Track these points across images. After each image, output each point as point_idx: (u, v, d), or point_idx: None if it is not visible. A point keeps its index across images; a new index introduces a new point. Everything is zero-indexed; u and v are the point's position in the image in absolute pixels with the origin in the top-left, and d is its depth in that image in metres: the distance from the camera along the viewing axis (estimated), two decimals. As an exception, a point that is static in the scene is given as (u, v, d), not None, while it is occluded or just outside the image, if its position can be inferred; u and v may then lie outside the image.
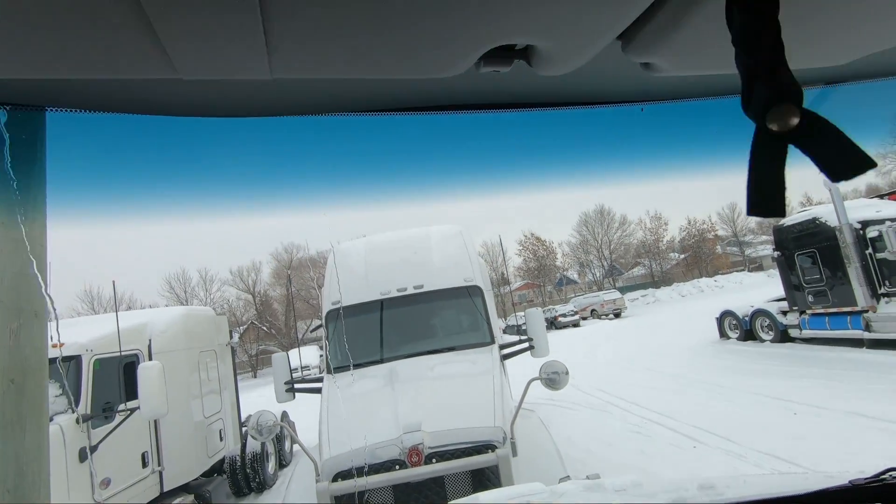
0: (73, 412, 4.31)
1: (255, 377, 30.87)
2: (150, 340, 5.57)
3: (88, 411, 4.45)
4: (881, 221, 9.38)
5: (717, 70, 0.71)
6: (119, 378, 4.94)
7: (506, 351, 5.32)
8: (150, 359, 5.40)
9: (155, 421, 5.21)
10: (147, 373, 4.30)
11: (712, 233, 44.64)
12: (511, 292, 41.07)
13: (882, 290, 9.33)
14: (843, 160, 0.32)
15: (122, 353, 4.79)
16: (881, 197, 12.22)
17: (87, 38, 0.52)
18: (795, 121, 0.32)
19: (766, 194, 0.34)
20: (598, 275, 45.62)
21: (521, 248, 46.71)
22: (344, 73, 0.65)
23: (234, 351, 7.98)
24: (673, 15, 0.54)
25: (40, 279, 1.07)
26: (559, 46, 0.62)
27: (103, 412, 4.62)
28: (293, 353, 8.36)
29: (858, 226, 9.68)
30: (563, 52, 0.63)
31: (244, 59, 0.58)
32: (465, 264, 5.95)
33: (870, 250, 9.48)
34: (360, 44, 0.57)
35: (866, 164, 0.30)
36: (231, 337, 7.84)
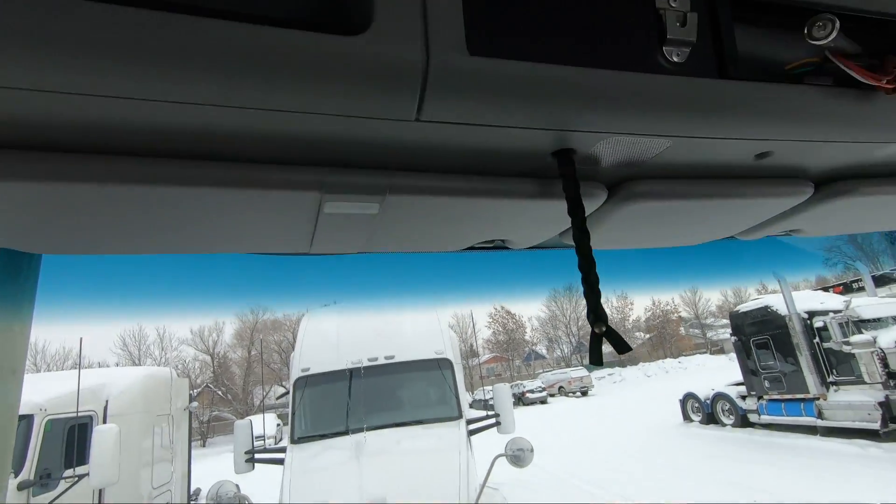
0: (15, 477, 4.07)
1: (205, 446, 28.80)
2: (106, 401, 5.36)
3: (32, 477, 4.21)
4: (825, 313, 10.04)
5: (644, 246, 1.04)
6: (69, 441, 4.71)
7: (472, 426, 5.34)
8: (105, 421, 5.17)
9: (100, 490, 4.91)
10: (101, 437, 4.13)
11: (675, 314, 46.05)
12: (479, 365, 40.60)
13: (831, 379, 9.80)
14: (621, 345, 0.58)
15: (77, 415, 4.61)
16: (825, 290, 13.16)
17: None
18: (604, 328, 0.59)
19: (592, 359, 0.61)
20: (566, 350, 45.83)
21: (491, 320, 46.91)
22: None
23: (191, 416, 7.65)
24: (597, 218, 0.83)
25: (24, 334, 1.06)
26: (525, 238, 0.90)
27: (49, 478, 4.36)
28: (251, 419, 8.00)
29: (806, 315, 10.32)
30: (530, 238, 0.92)
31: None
32: (436, 336, 6.06)
33: (817, 340, 10.05)
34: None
35: (625, 349, 0.58)
36: (190, 401, 7.55)
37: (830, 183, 0.90)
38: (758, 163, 0.77)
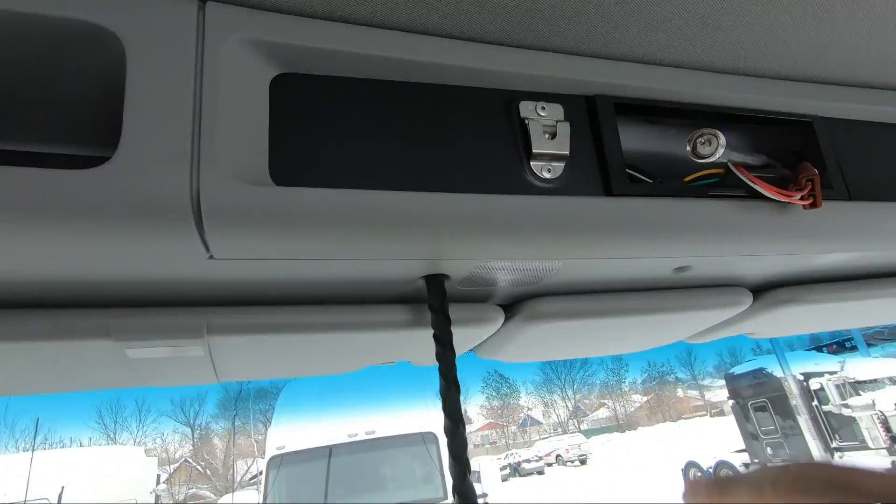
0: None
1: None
2: (62, 488, 4.98)
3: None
4: (821, 374, 9.86)
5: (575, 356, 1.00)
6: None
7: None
8: (59, 511, 4.77)
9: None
10: (51, 531, 3.79)
11: (672, 375, 45.17)
12: (473, 433, 38.92)
13: (834, 444, 9.45)
14: None
15: (27, 505, 4.26)
16: (819, 349, 13.01)
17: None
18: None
19: None
20: (562, 415, 44.33)
21: (484, 384, 45.65)
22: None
23: (157, 498, 7.12)
24: (503, 336, 0.77)
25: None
26: (427, 358, 0.85)
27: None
28: (228, 497, 7.45)
29: (802, 377, 10.12)
30: (432, 357, 0.87)
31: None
32: (420, 409, 5.84)
33: (816, 402, 9.79)
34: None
35: None
36: (157, 482, 7.06)
37: (770, 290, 0.85)
38: (682, 275, 0.73)
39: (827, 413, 9.58)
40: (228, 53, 0.44)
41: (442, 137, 0.51)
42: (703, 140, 0.55)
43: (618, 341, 0.90)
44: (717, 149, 0.54)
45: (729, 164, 0.57)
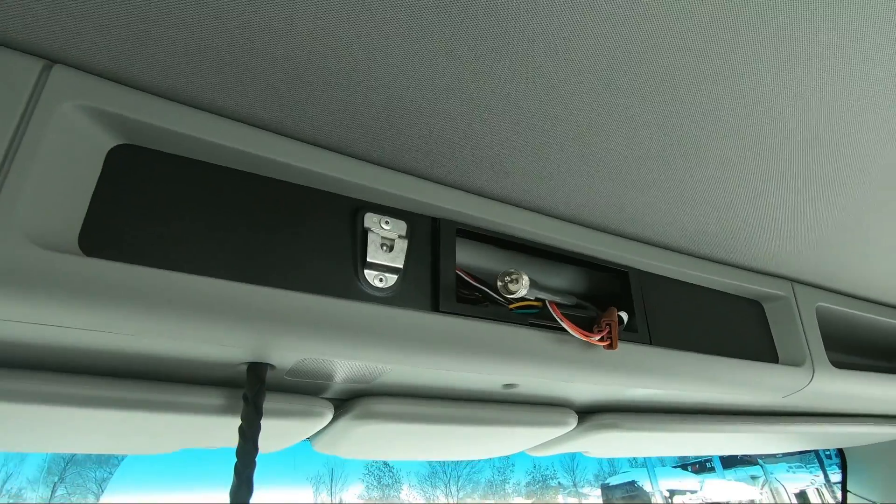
0: None
1: None
2: None
3: None
4: (683, 492, 10.43)
5: (413, 458, 1.03)
6: None
7: None
8: None
9: None
10: None
11: (555, 480, 45.39)
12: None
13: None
14: None
15: None
16: (685, 468, 13.85)
17: None
18: None
19: None
20: (444, 514, 42.25)
21: (366, 471, 42.68)
22: None
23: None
24: (338, 429, 0.77)
25: None
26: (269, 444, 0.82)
27: None
28: None
29: (668, 493, 10.62)
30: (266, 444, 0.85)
31: None
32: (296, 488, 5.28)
33: (679, 518, 10.23)
34: None
35: None
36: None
37: (592, 414, 0.92)
38: (512, 391, 0.77)
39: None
40: (62, 117, 0.43)
41: (279, 234, 0.53)
42: (510, 279, 0.62)
43: (451, 448, 0.91)
44: (521, 288, 0.61)
45: (546, 301, 0.64)
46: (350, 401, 0.73)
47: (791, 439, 1.24)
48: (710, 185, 0.69)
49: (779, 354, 0.93)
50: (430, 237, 0.62)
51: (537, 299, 0.65)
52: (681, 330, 0.82)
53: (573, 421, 0.89)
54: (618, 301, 0.77)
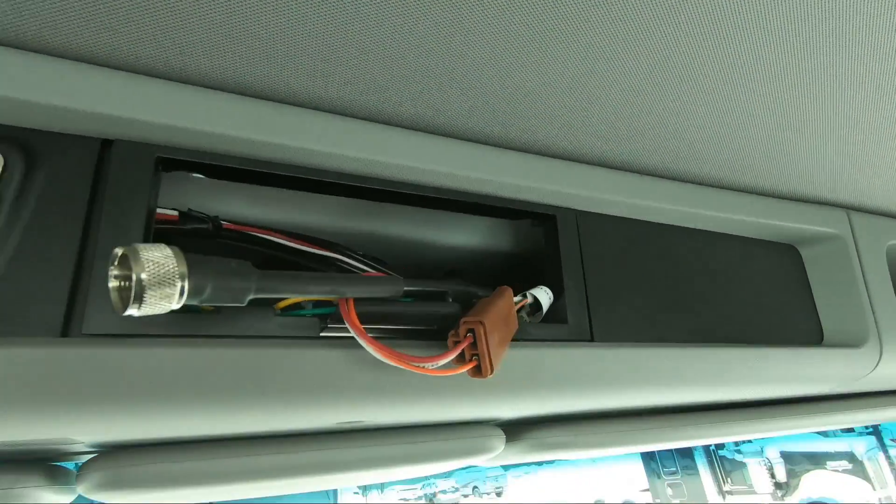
0: None
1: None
2: None
3: None
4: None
5: None
6: None
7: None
8: None
9: None
10: None
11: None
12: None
13: (726, 487, 9.85)
14: None
15: None
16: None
17: None
18: None
19: None
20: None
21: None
22: None
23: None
24: None
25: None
26: None
27: None
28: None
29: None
30: None
31: None
32: None
33: (713, 446, 10.24)
34: None
35: None
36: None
37: (527, 428, 0.65)
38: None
39: (722, 458, 10.01)
40: None
41: None
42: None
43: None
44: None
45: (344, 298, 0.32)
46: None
47: (822, 424, 0.92)
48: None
49: (824, 329, 0.59)
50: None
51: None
52: (651, 309, 0.49)
53: (499, 444, 0.59)
54: (537, 275, 0.45)
